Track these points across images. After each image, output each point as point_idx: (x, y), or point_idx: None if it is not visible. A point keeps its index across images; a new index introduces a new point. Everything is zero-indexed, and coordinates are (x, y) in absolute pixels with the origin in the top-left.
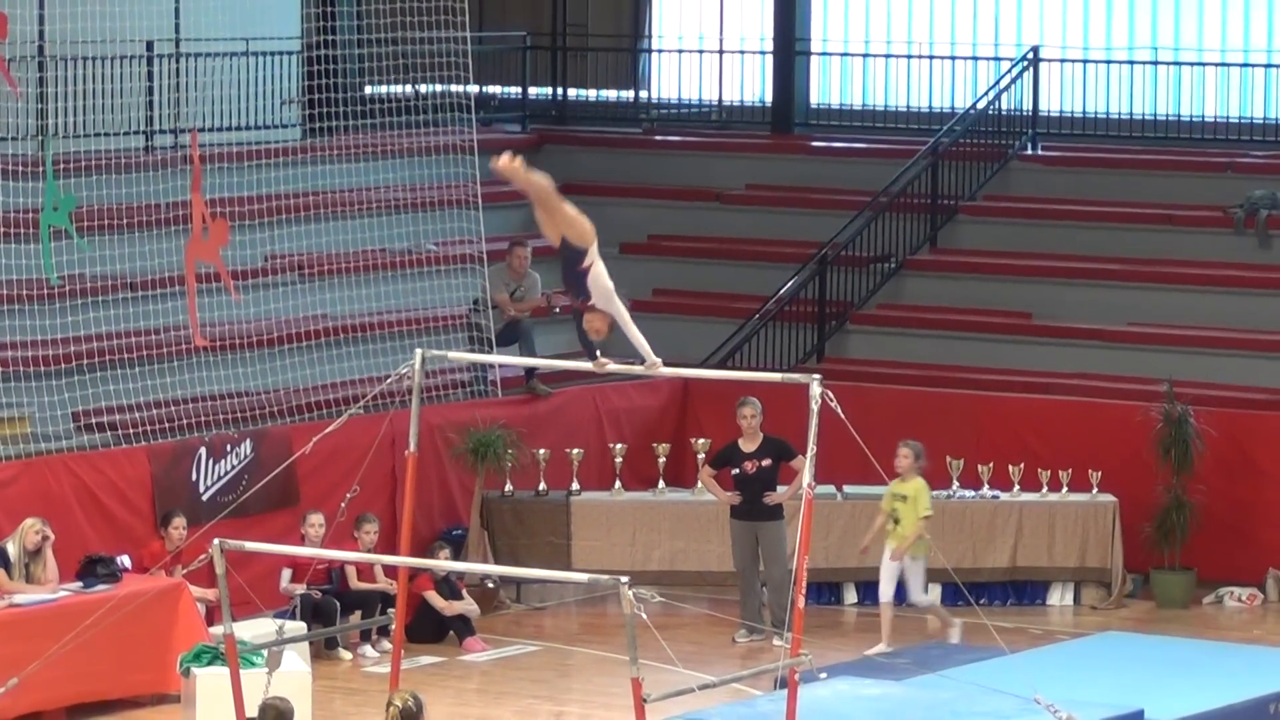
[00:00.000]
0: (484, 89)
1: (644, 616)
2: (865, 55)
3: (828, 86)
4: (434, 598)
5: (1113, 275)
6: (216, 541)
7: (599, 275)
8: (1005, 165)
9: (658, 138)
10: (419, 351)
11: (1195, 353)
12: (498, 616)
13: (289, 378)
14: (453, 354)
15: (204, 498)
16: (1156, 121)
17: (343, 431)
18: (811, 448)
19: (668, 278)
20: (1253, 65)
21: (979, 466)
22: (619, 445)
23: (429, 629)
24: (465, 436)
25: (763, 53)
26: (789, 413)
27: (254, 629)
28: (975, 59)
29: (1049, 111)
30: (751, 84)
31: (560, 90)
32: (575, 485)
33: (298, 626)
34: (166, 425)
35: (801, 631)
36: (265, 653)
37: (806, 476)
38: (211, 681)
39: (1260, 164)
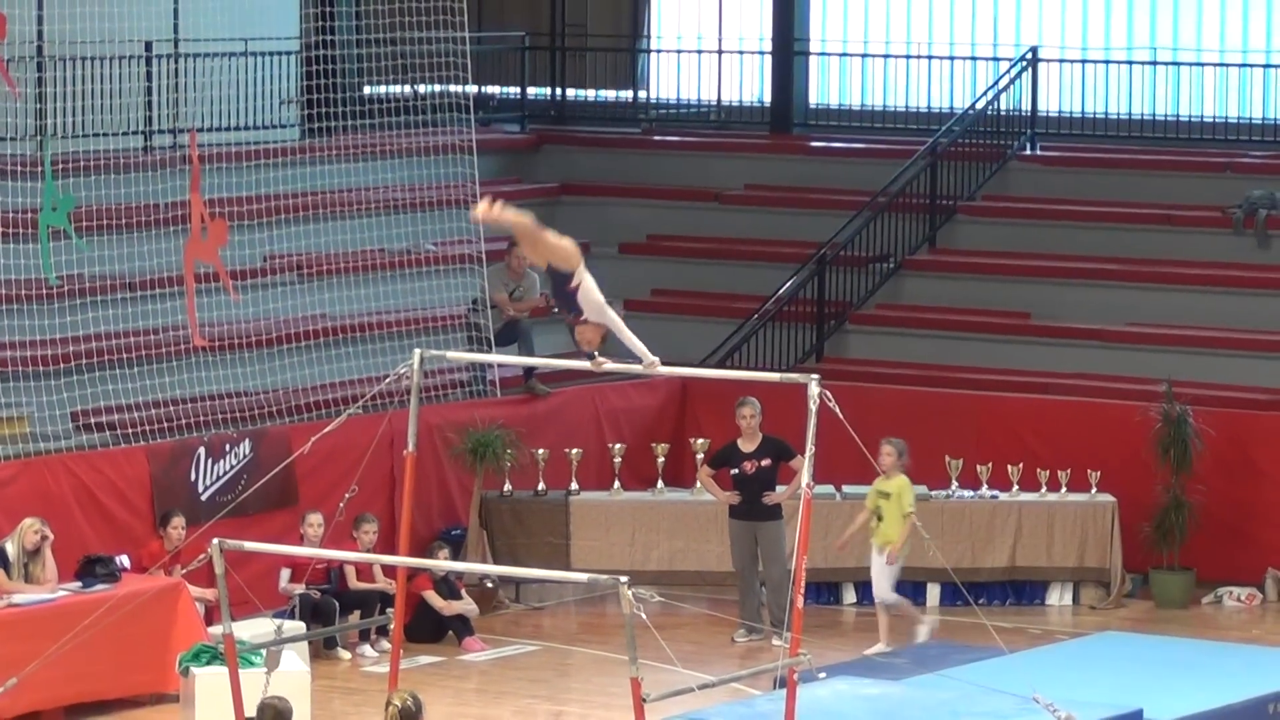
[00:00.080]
0: (483, 89)
1: (643, 616)
2: (864, 55)
3: (826, 86)
4: (433, 597)
5: (1112, 275)
6: (215, 541)
7: (588, 291)
8: (1004, 165)
9: (656, 138)
10: (417, 351)
11: (1194, 353)
12: (497, 616)
13: (288, 378)
14: (451, 354)
15: (203, 497)
16: (1155, 122)
17: (341, 431)
18: (810, 448)
19: (667, 278)
20: (1251, 65)
21: (978, 466)
22: (618, 445)
23: (428, 629)
24: (464, 436)
25: (761, 53)
26: (788, 413)
27: (253, 629)
28: (974, 59)
29: (1048, 111)
30: (750, 84)
31: (559, 90)
32: (574, 485)
33: (297, 626)
34: (165, 425)
35: (800, 631)
36: (264, 652)
37: (805, 476)
38: (210, 681)
39: (1259, 164)
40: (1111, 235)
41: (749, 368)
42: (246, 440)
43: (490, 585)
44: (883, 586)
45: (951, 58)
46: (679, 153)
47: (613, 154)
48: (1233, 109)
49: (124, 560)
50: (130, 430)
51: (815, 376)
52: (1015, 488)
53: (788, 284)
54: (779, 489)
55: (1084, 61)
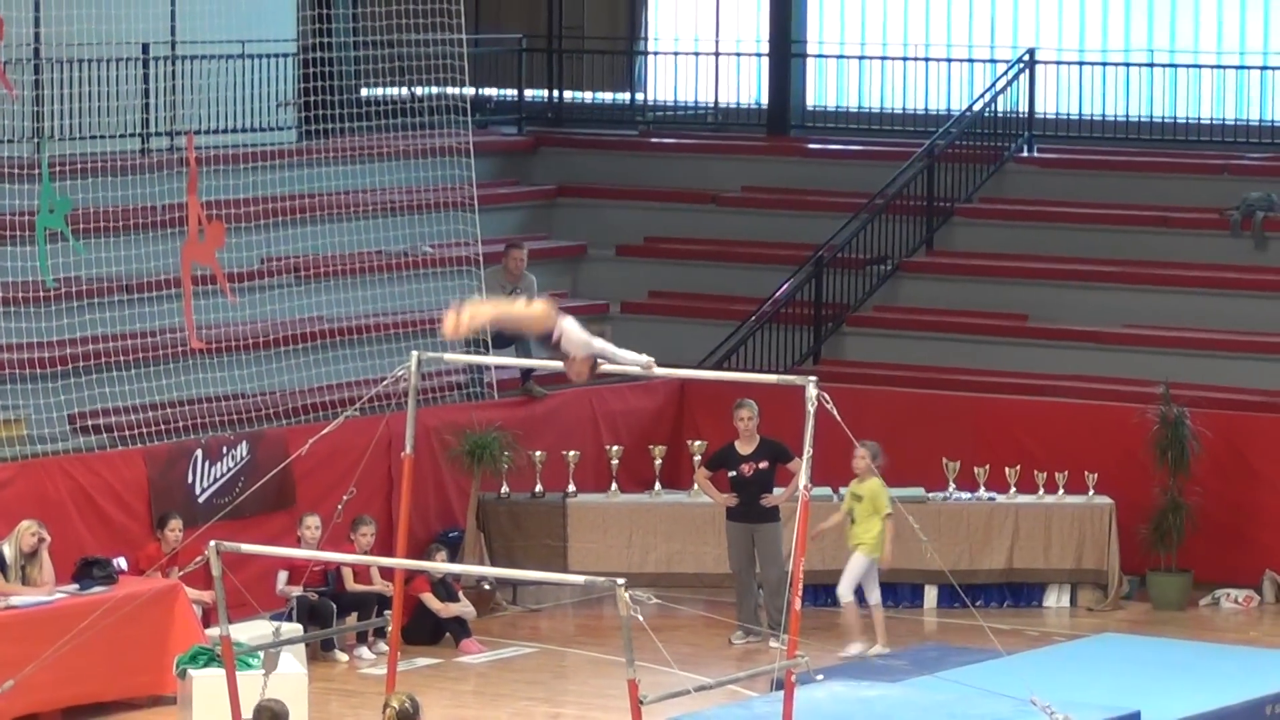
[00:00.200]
0: (480, 91)
1: (640, 618)
2: (861, 57)
3: (824, 88)
4: (430, 599)
5: (1109, 277)
6: (213, 543)
7: (570, 334)
8: (1001, 167)
9: (654, 140)
10: (415, 353)
11: (1191, 355)
12: (494, 618)
13: (285, 380)
14: (448, 355)
15: (200, 500)
16: (1153, 123)
17: (339, 433)
18: (808, 450)
19: (664, 279)
20: (1249, 67)
21: (975, 468)
22: (615, 447)
23: (425, 631)
24: (461, 438)
25: (759, 55)
26: (785, 415)
27: (250, 631)
28: (971, 61)
29: (1045, 113)
30: (747, 86)
31: (556, 92)
32: (571, 487)
33: (294, 628)
34: (163, 427)
35: (798, 633)
36: (261, 654)
37: (803, 478)
38: (208, 683)
39: (1256, 166)
40: (1109, 237)
41: (746, 370)
42: (244, 442)
43: (488, 587)
44: (845, 585)
45: (949, 60)
46: (676, 155)
47: (610, 156)
48: (1230, 111)
49: (121, 562)
50: (127, 432)
51: (813, 379)
52: (1013, 489)
53: (785, 286)
54: (776, 491)
55: (1081, 63)
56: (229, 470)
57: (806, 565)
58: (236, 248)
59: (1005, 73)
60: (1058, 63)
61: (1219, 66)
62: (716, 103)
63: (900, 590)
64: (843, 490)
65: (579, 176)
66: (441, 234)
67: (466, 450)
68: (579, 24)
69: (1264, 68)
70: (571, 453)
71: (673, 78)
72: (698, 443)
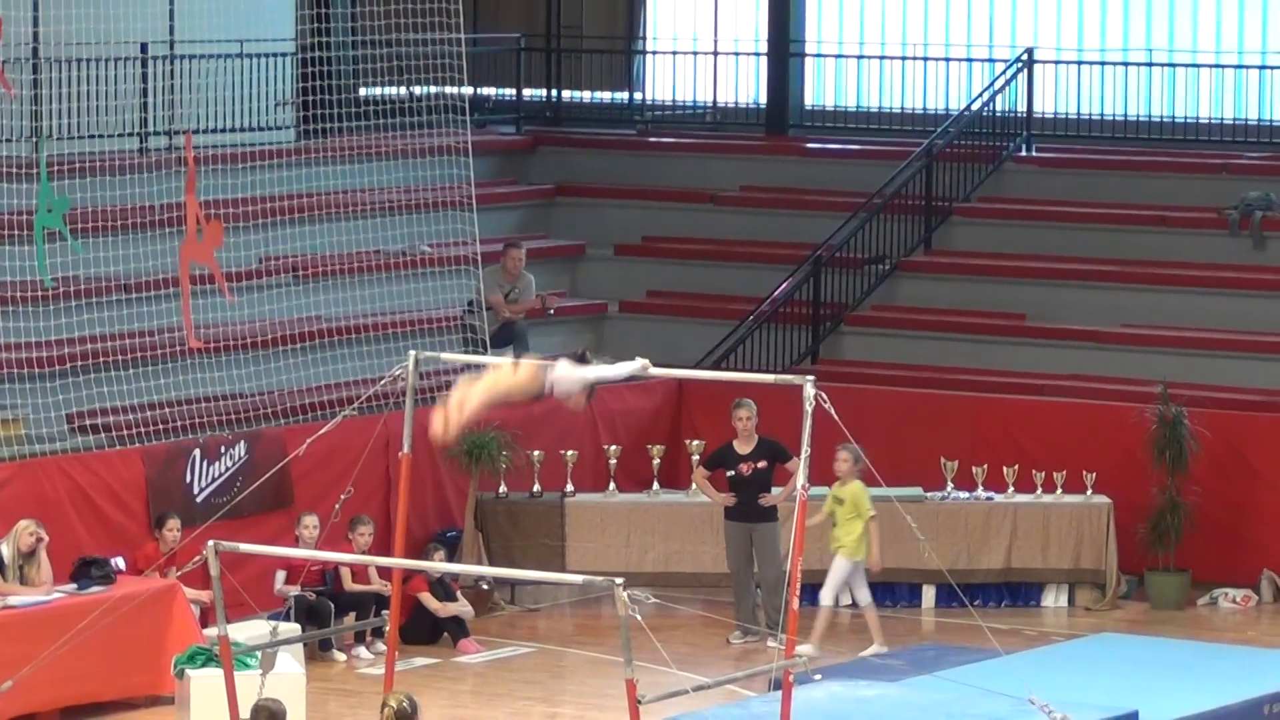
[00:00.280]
0: (478, 91)
1: (638, 618)
2: (859, 57)
3: (822, 88)
4: (428, 599)
5: (1107, 277)
6: (211, 543)
7: (563, 382)
8: (1000, 167)
9: (652, 139)
10: (413, 353)
11: (1190, 354)
12: (492, 618)
13: (283, 379)
14: (446, 355)
15: (198, 499)
16: (1151, 123)
17: (337, 433)
18: (805, 449)
19: (662, 279)
20: (1247, 67)
21: (973, 468)
22: (613, 447)
23: (423, 630)
24: (459, 438)
25: (757, 54)
26: (784, 414)
27: (248, 631)
28: (970, 60)
29: (1043, 113)
30: (746, 85)
31: (555, 92)
32: (570, 487)
33: (292, 628)
34: (161, 427)
35: (796, 633)
36: (259, 654)
37: (801, 478)
38: (206, 683)
39: (1255, 165)
40: (1107, 237)
41: (744, 369)
42: (242, 442)
43: (485, 587)
44: (828, 590)
45: (947, 59)
46: (674, 154)
47: (608, 155)
48: (1228, 110)
49: (119, 562)
50: (125, 432)
51: (811, 378)
52: (1011, 489)
53: (783, 285)
54: (775, 491)
55: (1080, 63)
56: (227, 470)
57: (804, 565)
58: (235, 247)
59: (1003, 72)
60: (1056, 62)
61: (1217, 66)
62: (715, 102)
63: (898, 590)
64: None
65: (577, 176)
66: (440, 233)
67: (464, 450)
68: (577, 23)
69: (1262, 67)
70: (569, 452)
71: (671, 77)
72: (696, 442)
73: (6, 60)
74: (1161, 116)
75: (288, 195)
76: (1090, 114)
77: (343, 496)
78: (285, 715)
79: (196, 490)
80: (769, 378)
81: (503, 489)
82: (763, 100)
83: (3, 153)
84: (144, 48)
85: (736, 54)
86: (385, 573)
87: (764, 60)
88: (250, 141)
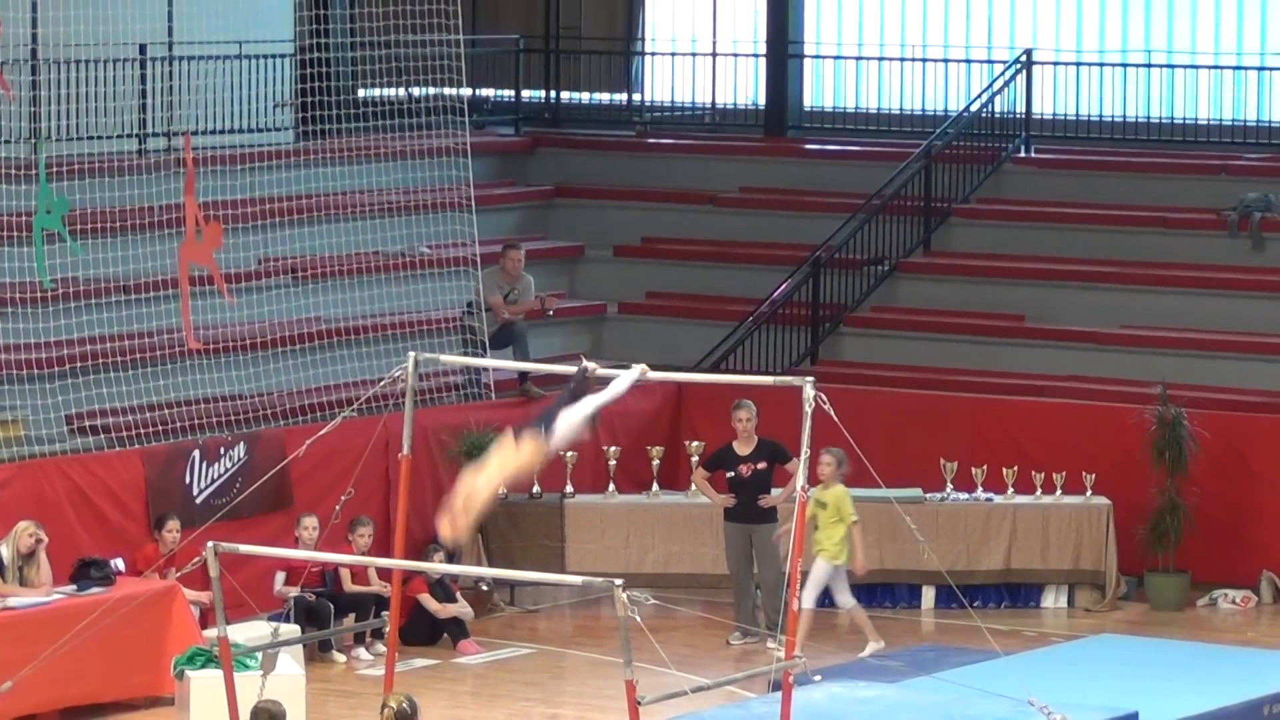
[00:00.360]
0: (477, 92)
1: (638, 619)
2: (858, 58)
3: (821, 89)
4: (428, 600)
5: (1106, 278)
6: (210, 544)
7: (566, 436)
8: (999, 168)
9: (651, 140)
10: (412, 354)
11: (1189, 355)
12: (491, 619)
13: (282, 380)
14: (445, 357)
15: (198, 500)
16: (1150, 124)
17: (336, 434)
18: (805, 450)
19: (661, 280)
20: (1246, 68)
21: (973, 469)
22: (613, 448)
23: (423, 631)
24: (459, 439)
25: (756, 55)
26: (783, 416)
27: (248, 632)
28: (968, 61)
29: (1042, 114)
30: (745, 87)
31: (554, 93)
32: (569, 488)
33: (292, 629)
34: (160, 428)
35: (795, 634)
36: (259, 655)
37: (800, 479)
38: (205, 684)
39: (1254, 167)
40: (1106, 238)
41: (744, 370)
42: (241, 443)
43: (485, 588)
44: (808, 593)
45: (946, 60)
46: (674, 155)
47: (607, 156)
48: (1228, 111)
49: (119, 563)
50: (125, 433)
51: (810, 379)
52: (1010, 490)
53: (782, 286)
54: (775, 492)
55: (1079, 64)
56: (226, 471)
57: (803, 566)
58: (234, 248)
59: (1002, 73)
60: (1055, 63)
61: (1216, 67)
62: (714, 103)
63: (898, 591)
64: None
65: (576, 177)
66: (439, 234)
67: (464, 451)
68: (576, 24)
69: (1261, 68)
70: (569, 453)
71: (670, 78)
72: (695, 443)
73: (5, 61)
74: (1160, 118)
75: (287, 196)
76: (1089, 115)
77: (343, 498)
78: (285, 716)
79: (196, 491)
80: (768, 380)
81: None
82: (762, 101)
83: (2, 154)
84: (143, 49)
85: (735, 55)
86: (385, 574)
87: (763, 61)
88: (249, 143)
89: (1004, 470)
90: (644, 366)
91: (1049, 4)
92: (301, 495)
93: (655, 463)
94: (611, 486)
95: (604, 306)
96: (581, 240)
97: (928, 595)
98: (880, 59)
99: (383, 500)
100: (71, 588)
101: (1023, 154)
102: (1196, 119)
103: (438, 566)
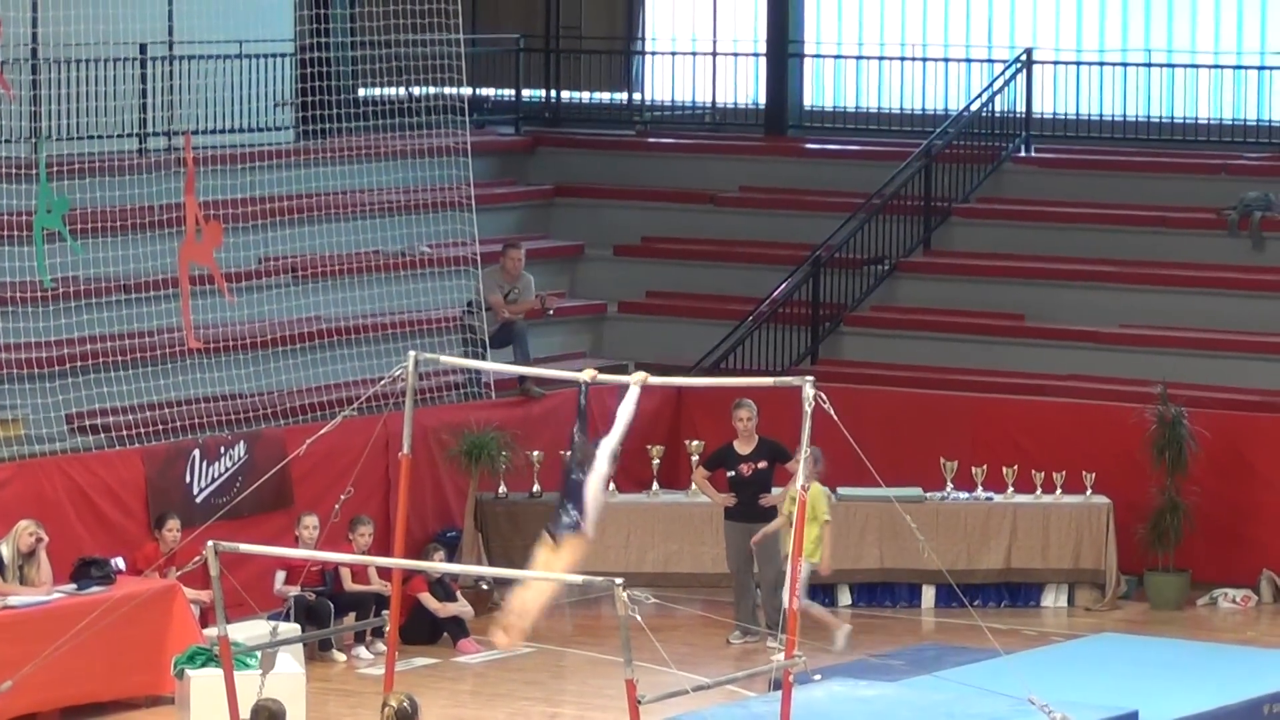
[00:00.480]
0: (477, 91)
1: (638, 618)
2: (859, 57)
3: (821, 88)
4: (428, 599)
5: (1106, 277)
6: (210, 543)
7: (597, 509)
8: (999, 167)
9: (651, 140)
10: (412, 354)
11: (1189, 355)
12: (492, 618)
13: (283, 380)
14: (445, 358)
15: (198, 500)
16: (1150, 123)
17: (337, 433)
18: (805, 450)
19: (661, 279)
20: (1246, 67)
21: (973, 468)
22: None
23: (423, 631)
24: (459, 438)
25: (756, 55)
26: (783, 415)
27: (248, 631)
28: (969, 61)
29: (1042, 113)
30: (745, 86)
31: (554, 92)
32: None
33: (292, 628)
34: (160, 427)
35: (796, 633)
36: (259, 654)
37: (800, 478)
38: (205, 683)
39: (1254, 166)
40: (1106, 237)
41: (744, 369)
42: (241, 442)
43: (485, 587)
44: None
45: (946, 59)
46: (674, 155)
47: (607, 156)
48: (1228, 111)
49: (119, 562)
50: (125, 432)
51: (810, 379)
52: (1010, 489)
53: (782, 286)
54: (775, 491)
55: (1079, 63)
56: (227, 470)
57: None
58: (234, 248)
59: (1002, 73)
60: (1055, 63)
61: (1216, 66)
62: (714, 103)
63: (898, 590)
64: (840, 490)
65: (576, 176)
66: (439, 234)
67: (464, 450)
68: (576, 24)
69: (1261, 68)
70: (569, 453)
71: (670, 78)
72: (695, 442)
73: (6, 61)
74: (1160, 117)
75: (287, 196)
76: (1089, 114)
77: (343, 497)
78: (285, 715)
79: (196, 490)
80: (768, 381)
81: (502, 489)
82: (762, 101)
83: (2, 153)
84: (143, 48)
85: (735, 54)
86: (385, 573)
87: (763, 61)
88: (249, 142)
89: (1004, 469)
90: (643, 374)
91: (1049, 3)
92: (302, 494)
93: (655, 462)
94: (612, 486)
95: (604, 306)
96: (582, 239)
97: (928, 594)
98: (880, 58)
99: (383, 499)
100: (72, 587)
101: (1023, 153)
102: (1197, 118)
103: (438, 566)
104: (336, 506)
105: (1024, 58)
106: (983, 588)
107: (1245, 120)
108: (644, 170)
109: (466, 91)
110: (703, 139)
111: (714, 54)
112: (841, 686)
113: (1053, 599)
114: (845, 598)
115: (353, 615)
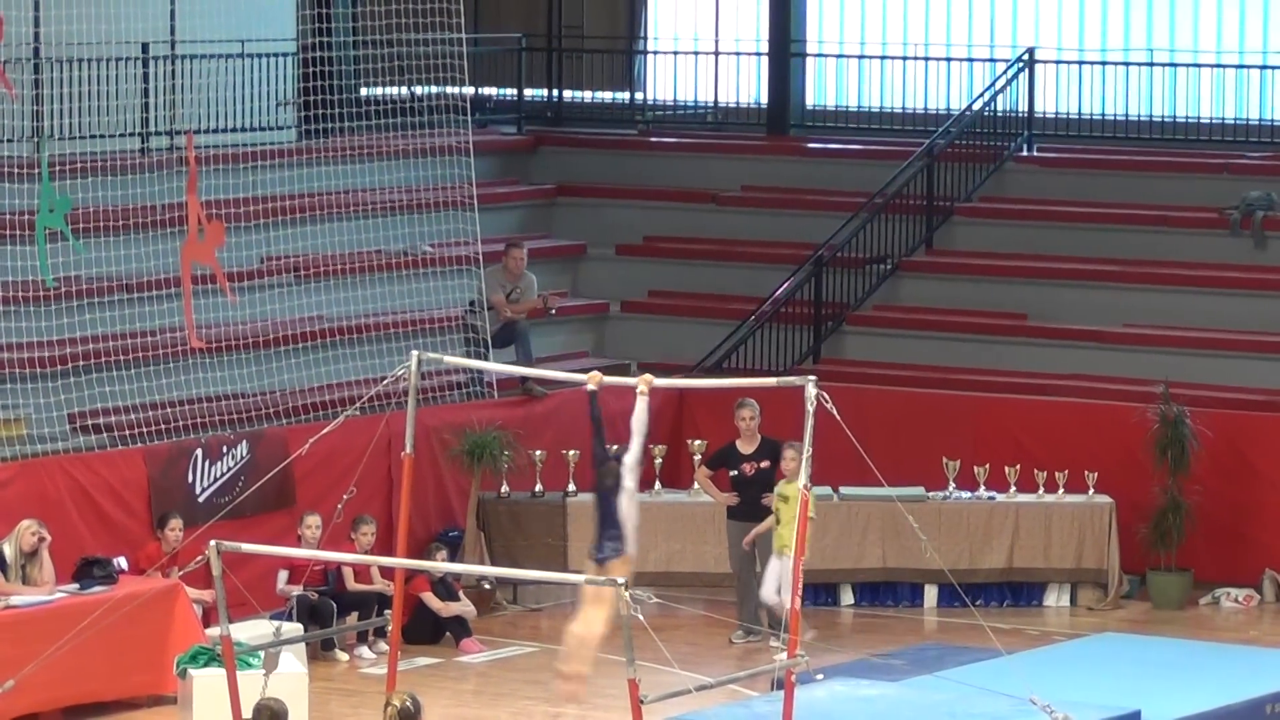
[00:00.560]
0: (480, 90)
1: (641, 618)
2: (861, 56)
3: (823, 88)
4: (431, 599)
5: (1108, 276)
6: (213, 543)
7: (635, 527)
8: (1001, 166)
9: (653, 139)
10: (415, 353)
11: (1191, 354)
12: (494, 618)
13: (285, 379)
14: (448, 358)
15: (200, 499)
16: (1152, 123)
17: (339, 433)
18: (807, 449)
19: (663, 279)
20: (1248, 66)
21: (975, 468)
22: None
23: (426, 630)
24: (461, 438)
25: (758, 54)
26: (786, 414)
27: (251, 630)
28: (971, 60)
29: (1045, 113)
30: (747, 85)
31: (556, 92)
32: (571, 486)
33: (294, 628)
34: (163, 427)
35: (798, 633)
36: (262, 654)
37: (803, 478)
38: (208, 683)
39: (1256, 165)
40: (1108, 236)
41: (746, 369)
42: (244, 442)
43: (488, 587)
44: (769, 588)
45: (948, 59)
46: (676, 154)
47: (609, 155)
48: (1230, 110)
49: (121, 562)
50: (127, 432)
51: (812, 378)
52: (1012, 489)
53: (785, 285)
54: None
55: (1081, 63)
56: (229, 470)
57: (806, 565)
58: (236, 247)
59: (1005, 72)
60: (1057, 62)
61: (1219, 66)
62: (716, 102)
63: (900, 589)
64: (843, 489)
65: (578, 176)
66: (441, 233)
67: (466, 450)
68: (579, 23)
69: (1264, 67)
70: (571, 452)
71: (672, 77)
72: (697, 442)
73: (8, 60)
74: (1163, 116)
75: (289, 195)
76: (1091, 114)
77: (345, 496)
78: (288, 715)
79: (199, 490)
80: (770, 381)
81: (505, 489)
82: (764, 100)
83: (4, 153)
84: (145, 48)
85: (737, 54)
86: (387, 572)
87: (765, 60)
88: (251, 141)
89: (1006, 469)
90: (648, 377)
91: (1051, 3)
92: (304, 494)
93: (658, 461)
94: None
95: (606, 305)
96: (584, 239)
97: (930, 594)
98: (882, 58)
99: (385, 499)
100: (74, 586)
101: (1025, 153)
102: (1199, 118)
103: (440, 565)
104: (339, 506)
105: (1026, 57)
106: (985, 587)
107: (1247, 120)
108: (646, 170)
109: (468, 91)
110: (705, 138)
111: (716, 53)
112: (843, 686)
113: (1055, 598)
114: (847, 597)
115: (355, 615)
